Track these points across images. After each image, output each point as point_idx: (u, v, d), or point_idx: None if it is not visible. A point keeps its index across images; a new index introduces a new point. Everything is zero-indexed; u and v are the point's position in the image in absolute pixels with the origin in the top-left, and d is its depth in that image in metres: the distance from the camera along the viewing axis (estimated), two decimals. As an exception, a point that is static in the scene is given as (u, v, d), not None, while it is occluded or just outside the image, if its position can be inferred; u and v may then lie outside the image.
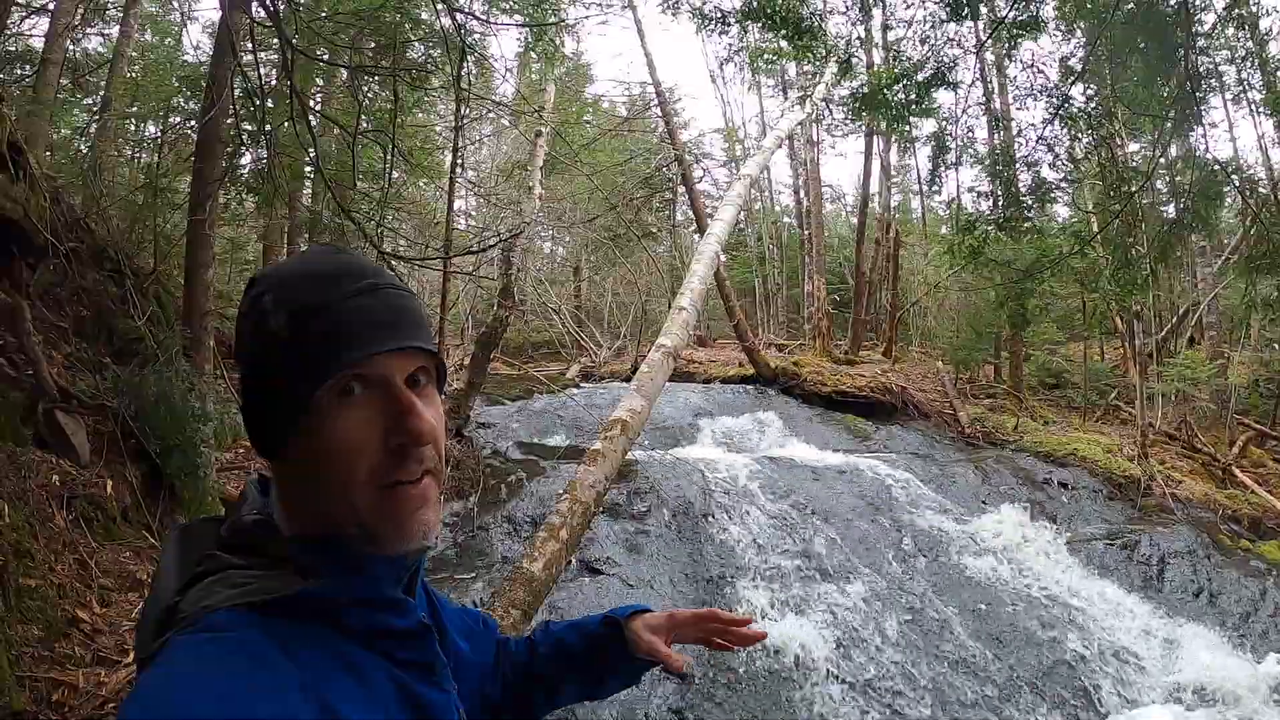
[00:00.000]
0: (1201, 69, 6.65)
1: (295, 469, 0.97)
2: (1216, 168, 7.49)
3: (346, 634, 0.93)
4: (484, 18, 6.93)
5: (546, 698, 1.50)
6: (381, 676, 0.95)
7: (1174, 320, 16.84)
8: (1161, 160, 8.59)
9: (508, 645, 1.50)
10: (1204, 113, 7.13)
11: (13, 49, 10.27)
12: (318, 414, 0.94)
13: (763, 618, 6.63)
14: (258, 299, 0.98)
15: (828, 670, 6.13)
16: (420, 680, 0.99)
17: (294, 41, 5.53)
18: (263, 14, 6.02)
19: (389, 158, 7.52)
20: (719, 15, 6.96)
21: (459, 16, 6.14)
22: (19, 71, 10.08)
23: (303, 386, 0.93)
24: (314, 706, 0.82)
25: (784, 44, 7.16)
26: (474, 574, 6.75)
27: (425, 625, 1.03)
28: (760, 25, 7.02)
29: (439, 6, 6.15)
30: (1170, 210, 9.02)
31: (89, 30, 11.57)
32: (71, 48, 10.47)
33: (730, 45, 9.19)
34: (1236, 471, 11.43)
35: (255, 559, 0.94)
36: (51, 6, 9.34)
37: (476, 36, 7.06)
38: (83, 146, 10.08)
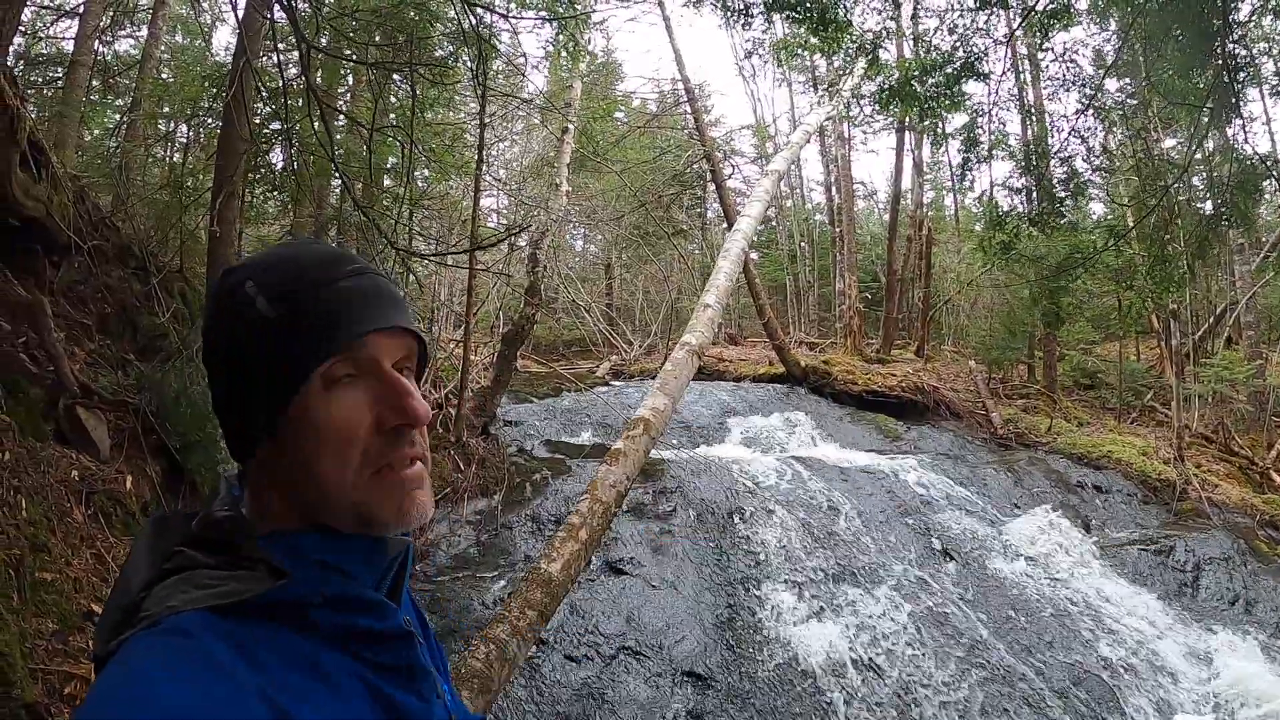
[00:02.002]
0: (1239, 59, 6.47)
1: (279, 462, 0.94)
2: (1255, 161, 7.30)
3: (318, 636, 0.89)
4: (504, 13, 6.91)
5: None
6: (352, 681, 0.90)
7: (1211, 319, 16.55)
8: (1198, 154, 8.39)
9: None
10: (1242, 104, 6.94)
11: (44, 52, 10.43)
12: (309, 398, 0.92)
13: (788, 620, 6.57)
14: (236, 287, 0.95)
15: (852, 675, 6.05)
16: (397, 686, 0.94)
17: (310, 39, 5.53)
18: (282, 15, 6.05)
19: (408, 155, 7.51)
20: (742, 7, 6.89)
21: (479, 11, 6.11)
22: (50, 73, 10.23)
23: (296, 370, 0.92)
24: (274, 715, 0.78)
25: (810, 36, 7.07)
26: (496, 572, 6.73)
27: (406, 630, 0.98)
28: (785, 16, 6.95)
29: (460, 5, 6.13)
30: (1208, 205, 8.80)
31: (119, 33, 11.70)
32: (101, 50, 10.61)
33: (754, 38, 9.09)
34: (1275, 475, 11.23)
35: (224, 557, 0.90)
36: (81, 9, 9.46)
37: (499, 32, 7.02)
38: (112, 146, 10.18)
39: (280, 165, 7.69)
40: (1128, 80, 8.75)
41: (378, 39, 7.22)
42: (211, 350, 0.98)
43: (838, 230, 21.61)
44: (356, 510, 0.93)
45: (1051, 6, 6.81)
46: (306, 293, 0.94)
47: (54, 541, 4.15)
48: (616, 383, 15.59)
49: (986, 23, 7.27)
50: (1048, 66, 8.28)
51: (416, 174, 10.01)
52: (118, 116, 11.45)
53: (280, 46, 7.11)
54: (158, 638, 0.80)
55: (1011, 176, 8.57)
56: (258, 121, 6.75)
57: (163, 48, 11.75)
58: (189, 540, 0.93)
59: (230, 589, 0.86)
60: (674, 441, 10.39)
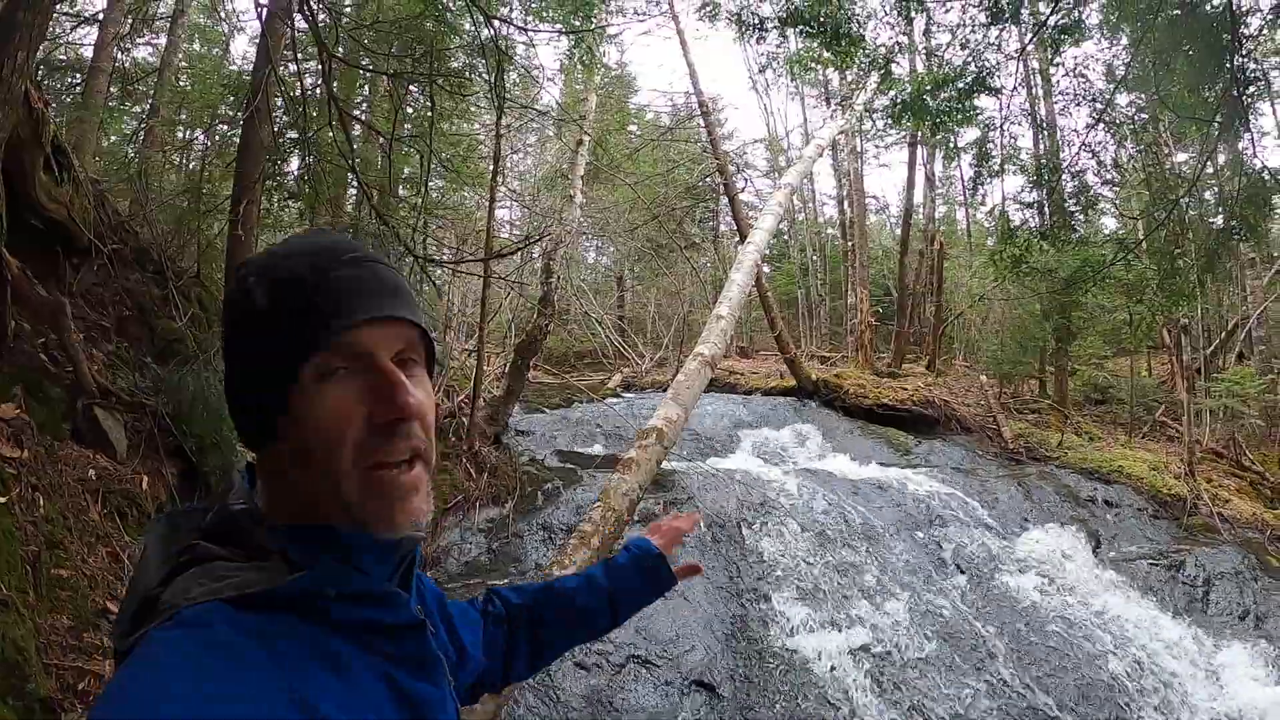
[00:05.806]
0: (1248, 73, 6.48)
1: (281, 455, 0.94)
2: (1266, 175, 7.30)
3: (333, 628, 0.89)
4: (522, 26, 6.96)
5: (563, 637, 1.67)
6: (369, 673, 0.91)
7: (1222, 334, 16.49)
8: (1208, 168, 8.39)
9: (494, 604, 1.57)
10: (1252, 118, 6.95)
11: (63, 58, 10.54)
12: (304, 392, 0.91)
13: (797, 631, 6.58)
14: (242, 280, 0.95)
15: (863, 688, 6.05)
16: (412, 676, 0.96)
17: (332, 50, 5.59)
18: (303, 24, 6.12)
19: (426, 165, 7.56)
20: (756, 21, 6.93)
21: (497, 24, 6.17)
22: (69, 79, 10.34)
23: (287, 362, 0.91)
24: (295, 707, 0.79)
25: (824, 51, 7.11)
26: (507, 580, 6.74)
27: (418, 621, 1.00)
28: (799, 31, 6.99)
29: (478, 17, 6.19)
30: (1218, 219, 8.79)
31: (138, 40, 11.84)
32: (120, 57, 10.72)
33: (768, 53, 9.14)
34: (1286, 490, 11.14)
35: (239, 549, 0.91)
36: (101, 17, 9.58)
37: (516, 44, 7.07)
38: (131, 152, 10.28)
39: (297, 173, 7.75)
40: (1138, 95, 8.75)
41: (394, 50, 7.29)
42: (224, 342, 0.98)
43: (850, 244, 21.63)
44: (349, 511, 0.92)
45: (1063, 22, 6.85)
46: (299, 284, 0.92)
47: (70, 539, 4.19)
48: (628, 394, 15.62)
49: (998, 38, 7.30)
50: (1059, 81, 8.27)
51: (431, 184, 10.07)
52: (135, 123, 11.57)
53: (299, 56, 7.18)
54: (177, 629, 0.80)
55: (1023, 191, 8.58)
56: (276, 130, 6.81)
57: (181, 55, 11.87)
58: (204, 533, 0.93)
59: (248, 580, 0.86)
60: (685, 453, 10.40)
